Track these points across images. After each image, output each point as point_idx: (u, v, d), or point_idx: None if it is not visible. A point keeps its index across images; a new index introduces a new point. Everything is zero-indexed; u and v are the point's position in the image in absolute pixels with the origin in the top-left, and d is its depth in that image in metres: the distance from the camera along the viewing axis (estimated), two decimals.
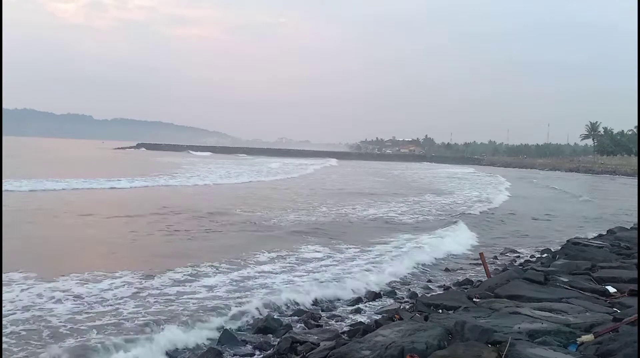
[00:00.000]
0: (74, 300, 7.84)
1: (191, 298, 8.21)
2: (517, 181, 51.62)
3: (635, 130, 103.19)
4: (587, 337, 5.15)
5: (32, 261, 9.98)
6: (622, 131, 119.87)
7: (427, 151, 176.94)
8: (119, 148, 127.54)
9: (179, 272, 9.68)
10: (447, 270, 11.25)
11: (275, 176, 42.39)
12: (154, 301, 7.97)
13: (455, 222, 17.49)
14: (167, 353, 6.17)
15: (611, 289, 7.43)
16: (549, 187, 44.18)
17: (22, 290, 8.14)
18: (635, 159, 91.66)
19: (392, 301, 8.66)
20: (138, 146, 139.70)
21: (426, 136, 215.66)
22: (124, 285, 8.66)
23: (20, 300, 7.71)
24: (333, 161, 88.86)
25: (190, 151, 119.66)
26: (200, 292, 8.56)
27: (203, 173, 42.18)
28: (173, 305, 7.83)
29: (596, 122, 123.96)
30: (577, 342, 5.10)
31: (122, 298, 8.04)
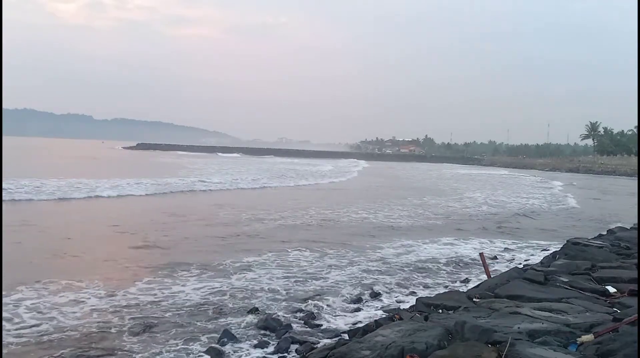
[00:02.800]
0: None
1: (198, 296, 8.25)
2: (551, 181, 51.26)
3: (635, 130, 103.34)
4: (587, 337, 5.15)
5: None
6: (622, 131, 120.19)
7: (427, 151, 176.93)
8: (126, 148, 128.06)
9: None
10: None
11: (339, 178, 44.92)
12: (170, 303, 7.97)
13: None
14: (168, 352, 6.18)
15: (611, 289, 7.43)
16: (597, 190, 43.49)
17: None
18: (635, 159, 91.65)
19: (392, 301, 8.66)
20: (138, 146, 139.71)
21: (426, 136, 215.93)
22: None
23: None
24: (363, 163, 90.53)
25: (219, 154, 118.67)
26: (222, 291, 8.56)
27: (274, 175, 42.71)
28: (177, 304, 7.85)
29: (596, 122, 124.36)
30: (577, 342, 5.10)
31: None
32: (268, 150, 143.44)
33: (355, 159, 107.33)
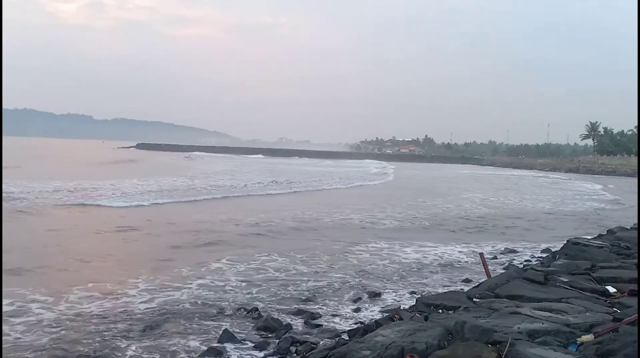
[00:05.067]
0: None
1: (198, 297, 8.25)
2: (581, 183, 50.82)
3: (635, 130, 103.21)
4: (587, 337, 5.15)
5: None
6: (622, 131, 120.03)
7: (427, 151, 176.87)
8: (127, 147, 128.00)
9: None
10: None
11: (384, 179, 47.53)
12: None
13: None
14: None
15: (611, 289, 7.43)
16: None
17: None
18: (635, 159, 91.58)
19: (392, 301, 8.66)
20: (138, 146, 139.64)
21: (426, 136, 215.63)
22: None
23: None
24: (385, 164, 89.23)
25: (245, 155, 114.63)
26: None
27: (342, 177, 45.41)
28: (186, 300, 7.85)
29: (596, 122, 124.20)
30: (577, 342, 5.10)
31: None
32: (289, 151, 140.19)
33: (376, 160, 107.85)
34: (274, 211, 19.40)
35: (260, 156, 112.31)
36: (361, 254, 12.33)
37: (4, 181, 23.28)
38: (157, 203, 20.77)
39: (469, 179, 54.44)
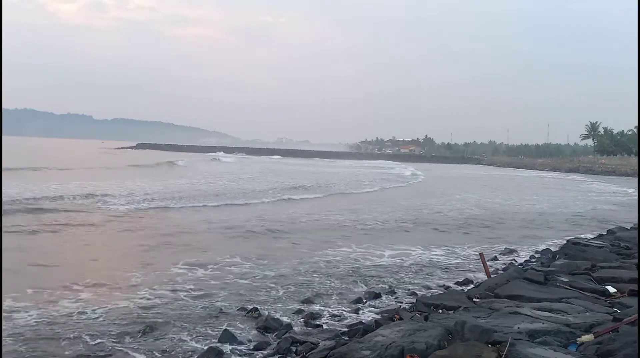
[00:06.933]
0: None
1: (198, 297, 8.25)
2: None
3: (635, 130, 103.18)
4: (587, 337, 5.16)
5: None
6: (622, 131, 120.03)
7: (427, 151, 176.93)
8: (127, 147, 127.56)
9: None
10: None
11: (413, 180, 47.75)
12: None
13: None
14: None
15: (611, 289, 7.44)
16: None
17: None
18: (635, 159, 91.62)
19: (392, 301, 8.65)
20: (138, 146, 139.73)
21: (426, 136, 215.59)
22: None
23: None
24: (402, 165, 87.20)
25: (265, 156, 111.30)
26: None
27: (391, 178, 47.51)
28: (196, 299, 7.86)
29: (596, 122, 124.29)
30: (577, 342, 5.10)
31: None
32: (308, 152, 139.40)
33: (394, 162, 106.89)
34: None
35: (278, 157, 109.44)
36: (365, 254, 12.34)
37: (56, 181, 23.50)
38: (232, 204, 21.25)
39: (495, 179, 55.30)
